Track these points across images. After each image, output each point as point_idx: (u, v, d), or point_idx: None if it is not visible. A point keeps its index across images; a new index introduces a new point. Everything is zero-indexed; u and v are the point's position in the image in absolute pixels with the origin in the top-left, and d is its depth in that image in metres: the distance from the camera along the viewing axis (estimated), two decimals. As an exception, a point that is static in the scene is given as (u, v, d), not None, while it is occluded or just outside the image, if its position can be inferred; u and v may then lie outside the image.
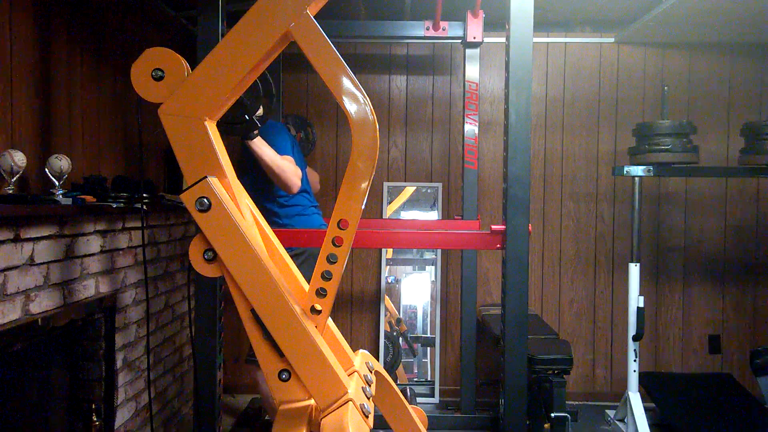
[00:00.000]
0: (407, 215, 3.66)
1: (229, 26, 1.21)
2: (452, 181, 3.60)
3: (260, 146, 2.24)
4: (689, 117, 3.47)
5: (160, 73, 1.13)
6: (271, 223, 2.39)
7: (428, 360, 3.61)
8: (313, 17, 1.13)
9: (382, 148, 3.59)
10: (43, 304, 1.84)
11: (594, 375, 3.61)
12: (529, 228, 1.95)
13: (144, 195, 2.50)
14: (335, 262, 1.18)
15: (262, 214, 2.40)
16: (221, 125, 1.95)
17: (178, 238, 3.01)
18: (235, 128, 2.00)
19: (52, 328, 1.86)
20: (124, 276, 2.39)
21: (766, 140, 2.82)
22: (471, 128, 3.12)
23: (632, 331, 2.87)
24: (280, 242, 1.34)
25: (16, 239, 1.70)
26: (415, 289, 3.70)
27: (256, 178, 2.44)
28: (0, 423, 1.83)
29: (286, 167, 2.29)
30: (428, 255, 3.67)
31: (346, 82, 1.13)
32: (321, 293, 1.19)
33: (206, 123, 1.13)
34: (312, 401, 1.15)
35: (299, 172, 2.35)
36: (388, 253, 3.63)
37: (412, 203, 3.68)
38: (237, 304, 1.15)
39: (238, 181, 1.25)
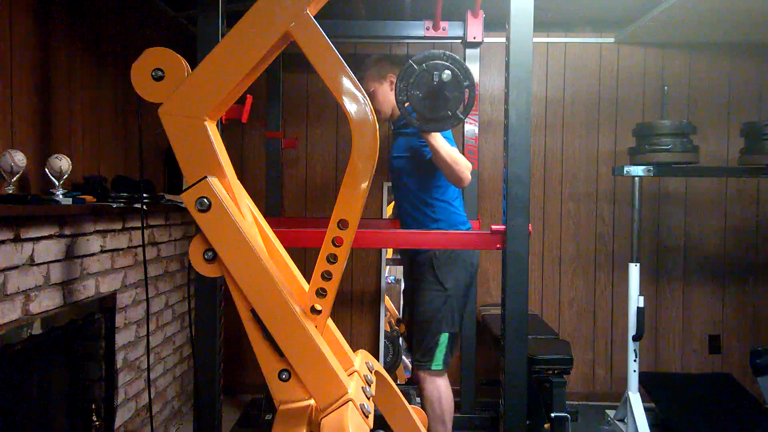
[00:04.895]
0: (407, 215, 3.65)
1: (229, 26, 1.21)
2: (452, 181, 3.60)
3: (438, 138, 2.20)
4: (689, 117, 3.47)
5: (160, 73, 1.13)
6: (424, 221, 2.43)
7: (428, 360, 3.61)
8: (313, 17, 1.13)
9: (382, 148, 3.58)
10: (43, 304, 1.84)
11: (594, 375, 3.61)
12: (529, 228, 1.95)
13: (144, 195, 2.50)
14: (335, 262, 1.18)
15: (420, 218, 2.46)
16: (427, 122, 1.94)
17: (178, 238, 3.01)
18: (438, 125, 1.96)
19: (52, 328, 1.86)
20: (124, 276, 2.39)
21: (766, 140, 2.82)
22: (471, 128, 3.12)
23: (632, 331, 2.87)
24: (281, 242, 1.34)
25: (16, 239, 1.70)
26: (415, 289, 3.69)
27: (421, 178, 2.44)
28: (0, 423, 1.83)
29: (461, 160, 2.25)
30: (428, 255, 3.67)
31: (346, 82, 1.13)
32: (321, 293, 1.19)
33: (206, 123, 1.13)
34: (312, 401, 1.15)
35: (470, 165, 2.30)
36: (388, 253, 3.63)
37: (412, 203, 3.67)
38: (237, 304, 1.15)
39: (238, 181, 1.25)
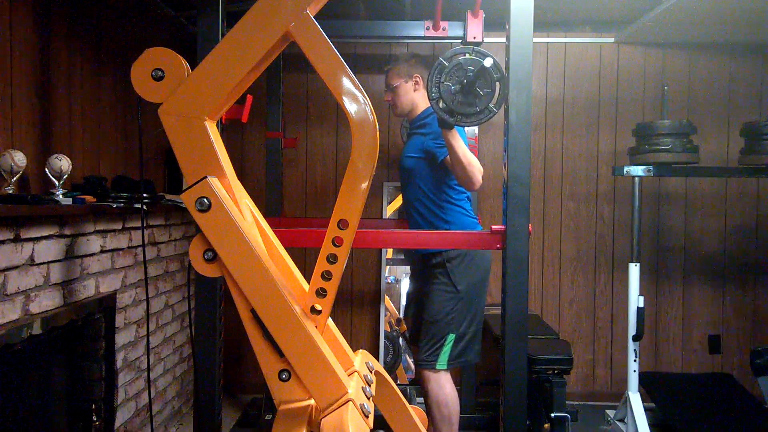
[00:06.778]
0: (407, 215, 3.65)
1: (229, 26, 1.21)
2: (452, 181, 3.60)
3: (457, 137, 2.19)
4: (689, 117, 3.46)
5: (160, 73, 1.13)
6: (435, 223, 2.43)
7: (428, 360, 3.60)
8: (313, 17, 1.13)
9: (382, 148, 3.59)
10: (43, 304, 1.84)
11: (594, 375, 3.61)
12: (529, 228, 1.95)
13: (144, 195, 2.50)
14: (335, 262, 1.18)
15: (431, 218, 2.46)
16: (461, 117, 1.94)
17: (178, 238, 3.01)
18: (470, 119, 1.94)
19: (52, 328, 1.86)
20: (124, 276, 2.39)
21: (766, 140, 2.82)
22: (471, 128, 3.12)
23: (632, 331, 2.86)
24: (281, 242, 1.34)
25: (16, 239, 1.70)
26: (415, 289, 3.69)
27: (433, 179, 2.44)
28: (0, 423, 1.83)
29: (475, 162, 2.24)
30: (428, 255, 3.67)
31: (346, 82, 1.13)
32: (321, 293, 1.19)
33: (206, 123, 1.13)
34: (312, 401, 1.15)
35: (482, 169, 2.29)
36: (388, 253, 3.63)
37: (412, 203, 3.66)
38: (237, 304, 1.15)
39: (238, 181, 1.25)
